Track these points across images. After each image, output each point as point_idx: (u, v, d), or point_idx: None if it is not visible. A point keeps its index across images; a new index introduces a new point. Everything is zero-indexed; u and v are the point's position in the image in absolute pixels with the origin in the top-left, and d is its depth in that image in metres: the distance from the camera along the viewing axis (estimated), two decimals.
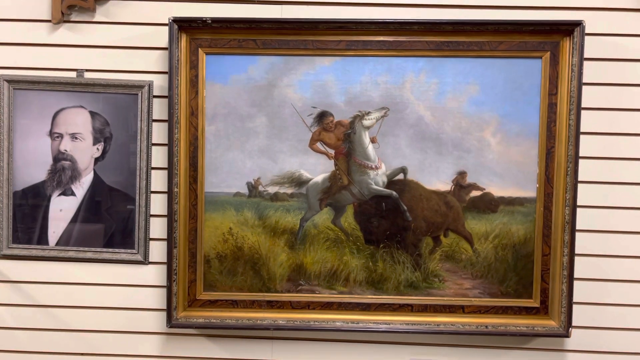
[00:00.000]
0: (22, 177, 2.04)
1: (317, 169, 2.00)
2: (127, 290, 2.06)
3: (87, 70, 2.01)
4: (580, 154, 1.93)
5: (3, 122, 2.01)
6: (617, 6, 1.96)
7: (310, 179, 2.00)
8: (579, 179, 1.93)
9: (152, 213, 2.04)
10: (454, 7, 1.98)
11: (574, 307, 1.97)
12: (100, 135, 2.02)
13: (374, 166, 1.99)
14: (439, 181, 1.98)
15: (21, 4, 2.02)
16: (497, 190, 1.98)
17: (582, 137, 1.93)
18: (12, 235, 2.05)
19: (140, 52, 2.01)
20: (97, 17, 2.01)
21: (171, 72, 1.92)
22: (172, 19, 1.90)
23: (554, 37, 1.92)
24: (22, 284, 2.07)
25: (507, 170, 1.97)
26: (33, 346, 2.09)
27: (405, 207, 1.99)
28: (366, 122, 1.97)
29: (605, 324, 2.03)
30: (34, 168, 2.03)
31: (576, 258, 1.95)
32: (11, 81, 2.00)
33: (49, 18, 2.01)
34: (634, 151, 1.99)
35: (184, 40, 1.95)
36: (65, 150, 2.02)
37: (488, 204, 1.99)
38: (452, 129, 1.96)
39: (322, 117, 1.98)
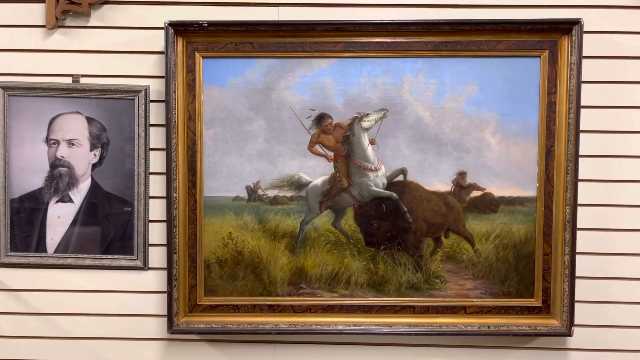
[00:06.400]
0: (19, 184, 2.02)
1: (317, 171, 1.99)
2: (127, 297, 2.05)
3: (82, 76, 1.99)
4: (580, 152, 1.93)
5: None
6: (615, 4, 1.96)
7: (310, 182, 1.99)
8: (579, 178, 1.93)
9: (151, 218, 2.02)
10: (452, 7, 1.97)
11: (576, 305, 1.96)
12: (97, 140, 2.01)
13: (373, 168, 1.98)
14: (439, 182, 1.98)
15: (15, 10, 2.00)
16: (498, 190, 1.97)
17: (581, 135, 1.93)
18: (9, 243, 2.03)
19: (136, 57, 1.99)
20: (92, 22, 2.00)
21: (168, 77, 1.90)
22: (168, 22, 1.89)
23: (553, 35, 1.91)
24: (20, 292, 2.06)
25: (507, 170, 1.96)
26: (33, 354, 2.08)
27: (406, 209, 1.98)
28: (365, 124, 1.96)
29: (607, 322, 2.03)
30: (30, 175, 2.02)
31: (577, 256, 1.95)
32: (6, 88, 1.98)
33: (43, 23, 1.99)
34: (634, 149, 1.99)
35: (180, 44, 1.93)
36: (62, 157, 2.01)
37: (488, 204, 1.98)
38: (451, 130, 1.95)
39: (320, 119, 1.97)
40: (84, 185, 2.02)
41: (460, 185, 1.97)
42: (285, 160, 1.98)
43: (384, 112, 1.95)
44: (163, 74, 1.96)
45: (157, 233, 2.03)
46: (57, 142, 2.00)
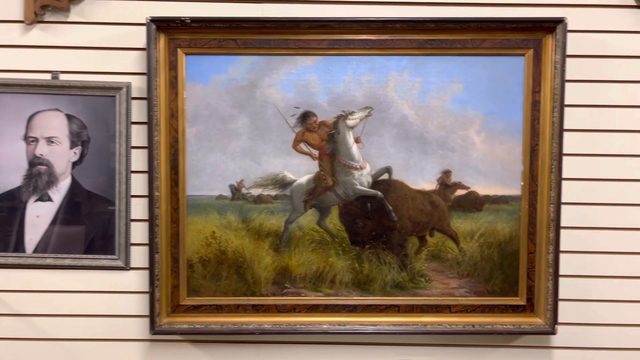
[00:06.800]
0: None
1: (301, 170, 1.97)
2: (109, 297, 2.02)
3: (62, 72, 1.95)
4: (564, 151, 1.93)
5: None
6: (599, 3, 1.97)
7: (295, 181, 1.97)
8: (563, 176, 1.93)
9: (132, 218, 1.99)
10: (437, 4, 1.96)
11: (560, 304, 1.97)
12: (78, 138, 1.97)
13: (358, 166, 1.97)
14: (423, 180, 1.97)
15: None
16: (482, 188, 1.97)
17: (565, 134, 1.93)
18: None
19: (117, 53, 1.96)
20: (72, 17, 1.96)
21: (150, 73, 1.87)
22: (149, 18, 1.86)
23: (537, 34, 1.91)
24: None
25: (491, 168, 1.96)
26: (13, 356, 2.03)
27: (391, 207, 1.97)
28: (350, 122, 1.95)
29: (590, 320, 2.04)
30: (8, 173, 1.97)
31: (561, 255, 1.96)
32: None
33: (21, 18, 1.95)
34: (617, 147, 2.00)
35: (162, 40, 1.90)
36: (41, 155, 1.96)
37: (473, 203, 1.98)
38: (436, 128, 1.95)
39: (305, 117, 1.95)
40: (64, 184, 1.98)
41: (445, 183, 1.97)
42: (270, 158, 1.96)
43: (368, 111, 1.94)
44: (145, 71, 1.92)
45: (138, 232, 2.00)
46: (36, 140, 1.96)
